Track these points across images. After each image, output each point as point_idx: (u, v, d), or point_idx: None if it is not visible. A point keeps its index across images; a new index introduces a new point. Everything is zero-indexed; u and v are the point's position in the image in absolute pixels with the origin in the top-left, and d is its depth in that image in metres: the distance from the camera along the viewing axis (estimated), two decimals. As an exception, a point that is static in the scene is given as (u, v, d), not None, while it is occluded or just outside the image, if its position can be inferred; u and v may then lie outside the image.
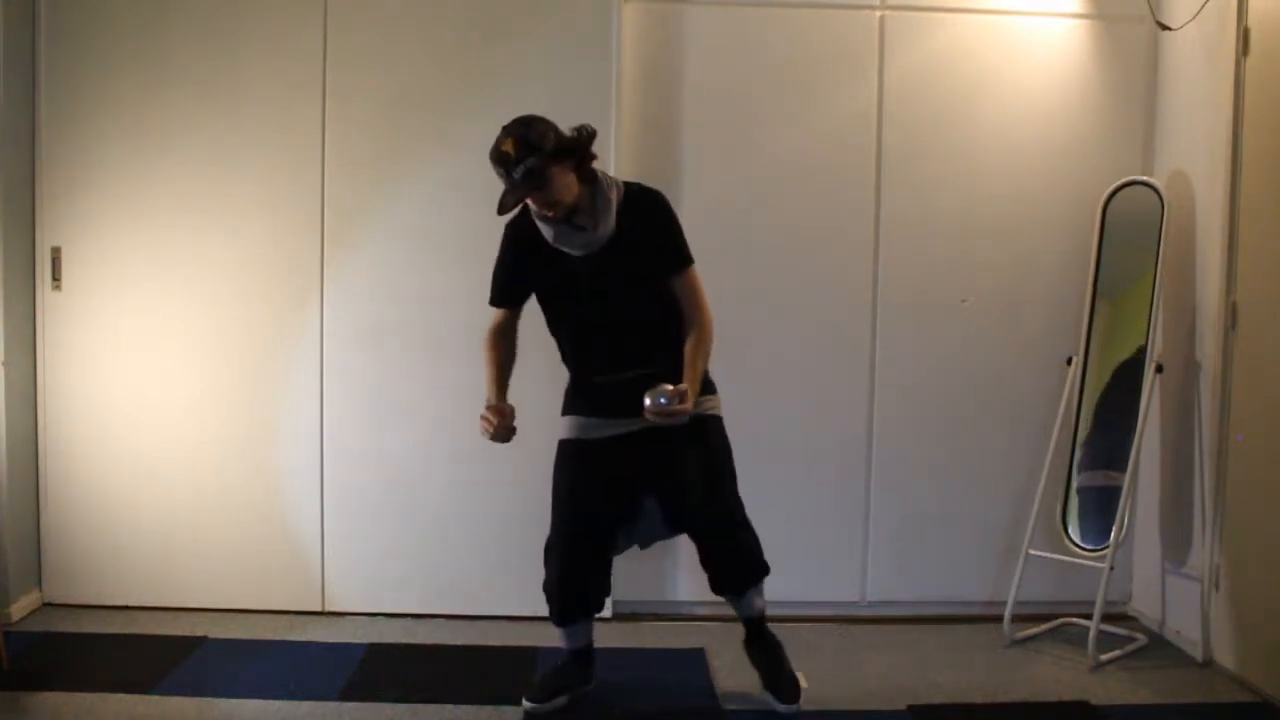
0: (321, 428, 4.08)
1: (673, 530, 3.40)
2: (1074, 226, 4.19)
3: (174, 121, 4.00)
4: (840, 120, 4.15)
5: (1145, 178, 4.06)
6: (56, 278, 4.03)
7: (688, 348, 3.19)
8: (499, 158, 3.05)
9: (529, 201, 3.11)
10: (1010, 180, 4.20)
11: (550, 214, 3.11)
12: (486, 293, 4.05)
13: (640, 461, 3.27)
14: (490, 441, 3.26)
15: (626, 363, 3.23)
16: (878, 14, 4.14)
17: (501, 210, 3.09)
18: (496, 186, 4.14)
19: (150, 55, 3.98)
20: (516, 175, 3.02)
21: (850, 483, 4.23)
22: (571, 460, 3.34)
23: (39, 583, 4.09)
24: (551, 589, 3.36)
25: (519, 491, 4.07)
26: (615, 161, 3.99)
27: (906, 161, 4.17)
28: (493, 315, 3.40)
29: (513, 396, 4.06)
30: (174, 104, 3.99)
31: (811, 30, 4.13)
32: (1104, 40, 4.19)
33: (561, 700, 3.38)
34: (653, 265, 3.21)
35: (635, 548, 3.48)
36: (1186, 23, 3.94)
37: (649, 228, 3.20)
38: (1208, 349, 3.86)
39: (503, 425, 3.25)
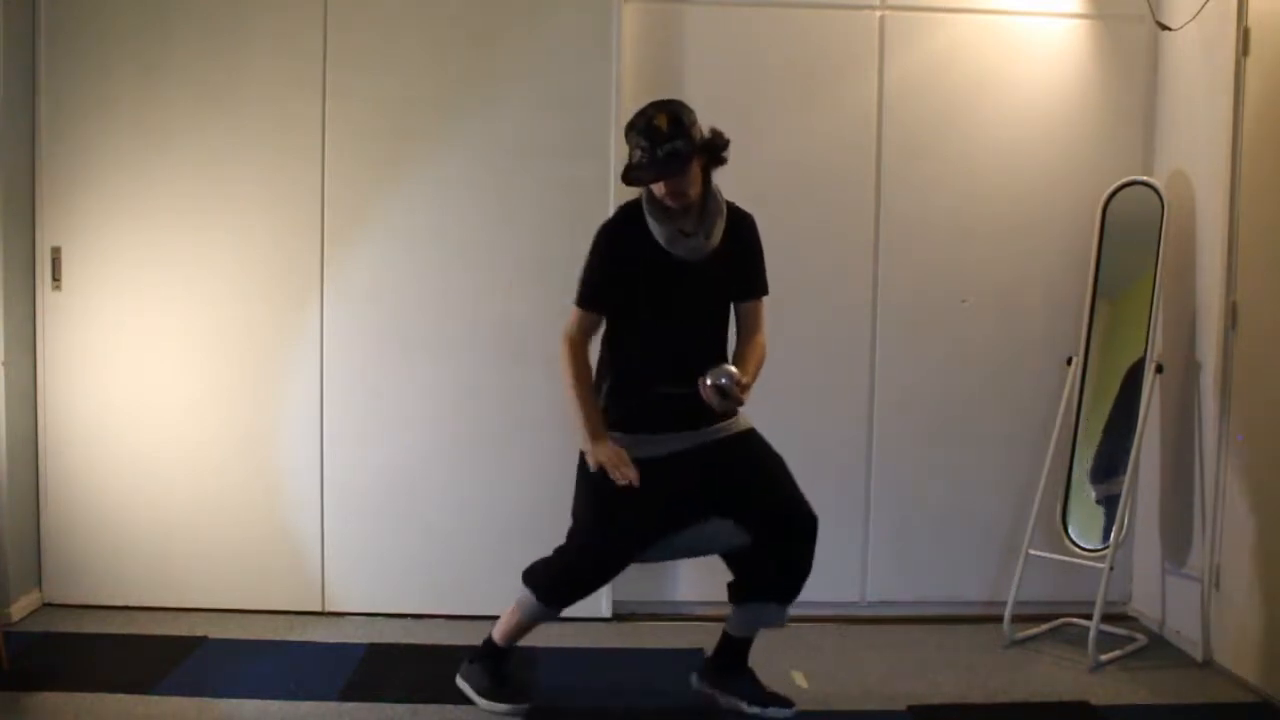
0: (321, 428, 4.08)
1: (751, 532, 3.20)
2: (1074, 226, 4.19)
3: (174, 121, 4.00)
4: (840, 120, 4.15)
5: (1145, 178, 4.06)
6: (56, 278, 4.03)
7: (748, 353, 3.21)
8: (649, 131, 3.00)
9: (656, 186, 3.06)
10: (1010, 180, 4.20)
11: (673, 203, 3.07)
12: (487, 292, 4.08)
13: (696, 476, 3.18)
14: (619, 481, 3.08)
15: (692, 375, 3.12)
16: (878, 14, 4.14)
17: (635, 182, 3.05)
18: (497, 185, 4.16)
19: (150, 55, 3.98)
20: (660, 152, 2.99)
21: (850, 483, 4.23)
22: (605, 482, 3.13)
23: (39, 583, 4.09)
24: (563, 591, 3.27)
25: (520, 492, 4.07)
26: (615, 160, 3.99)
27: (906, 161, 4.17)
28: (572, 324, 3.19)
29: (516, 397, 4.09)
30: (174, 104, 3.99)
31: (811, 30, 4.13)
32: (1104, 40, 4.19)
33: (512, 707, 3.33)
34: (741, 286, 3.24)
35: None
36: (1186, 23, 3.94)
37: (746, 248, 3.24)
38: (1208, 349, 3.86)
39: (628, 476, 3.06)
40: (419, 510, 4.11)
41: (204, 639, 3.84)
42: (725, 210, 3.20)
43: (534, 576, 3.30)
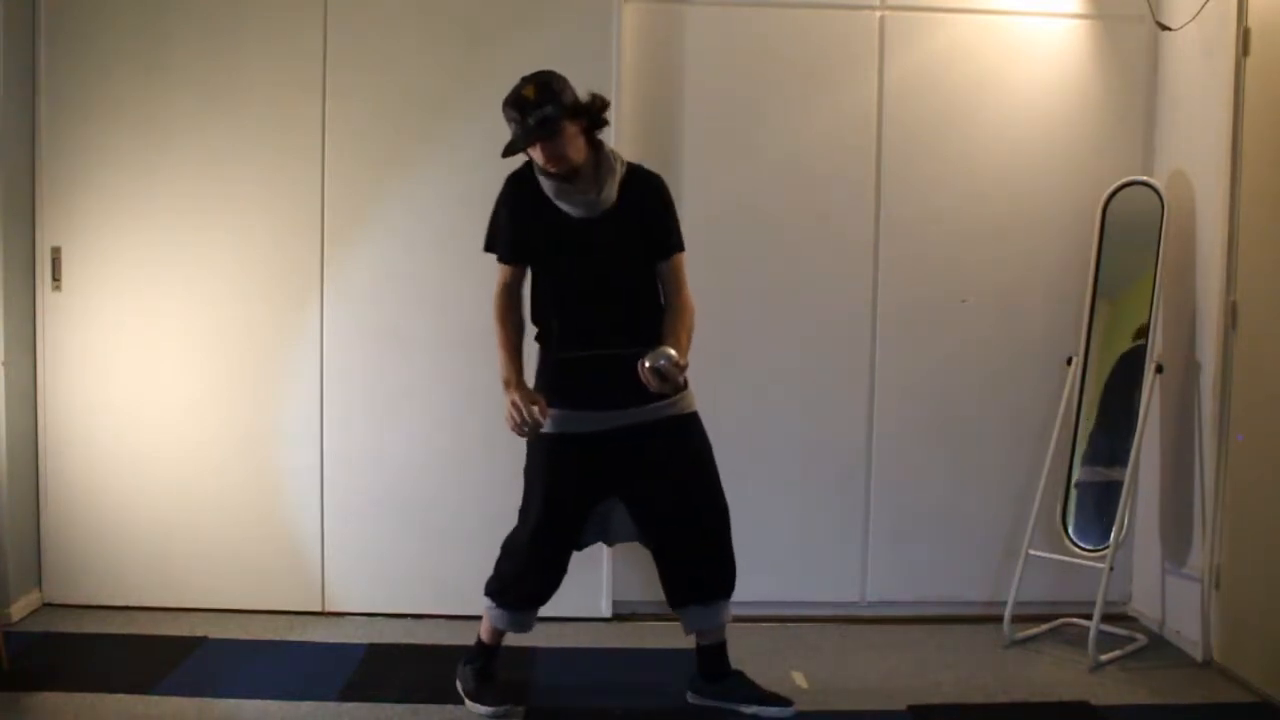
0: (321, 428, 4.08)
1: (644, 534, 3.31)
2: (1074, 226, 4.19)
3: (174, 121, 4.00)
4: (840, 120, 4.15)
5: (1145, 178, 4.06)
6: (56, 278, 4.03)
7: (671, 322, 3.21)
8: (516, 101, 3.04)
9: (534, 153, 3.10)
10: (1010, 180, 4.20)
11: (553, 169, 3.10)
12: (487, 292, 4.07)
13: (618, 460, 3.24)
14: (514, 433, 3.15)
15: (609, 337, 3.19)
16: (878, 14, 4.14)
17: (508, 152, 3.10)
18: (498, 185, 4.15)
19: (150, 55, 3.98)
20: (531, 120, 3.02)
21: (850, 483, 4.23)
22: (549, 455, 3.26)
23: (39, 583, 4.09)
24: (508, 582, 3.34)
25: (520, 491, 4.06)
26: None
27: (906, 161, 4.17)
28: (497, 278, 3.31)
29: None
30: (174, 104, 3.99)
31: (811, 30, 4.13)
32: (1104, 40, 4.19)
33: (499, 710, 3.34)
34: (648, 243, 3.24)
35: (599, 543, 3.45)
36: (1186, 23, 3.94)
37: (649, 206, 3.25)
38: (1208, 349, 3.86)
39: (534, 415, 3.11)
40: (419, 510, 4.11)
41: (204, 639, 3.84)
42: (623, 170, 3.22)
43: (490, 584, 3.40)
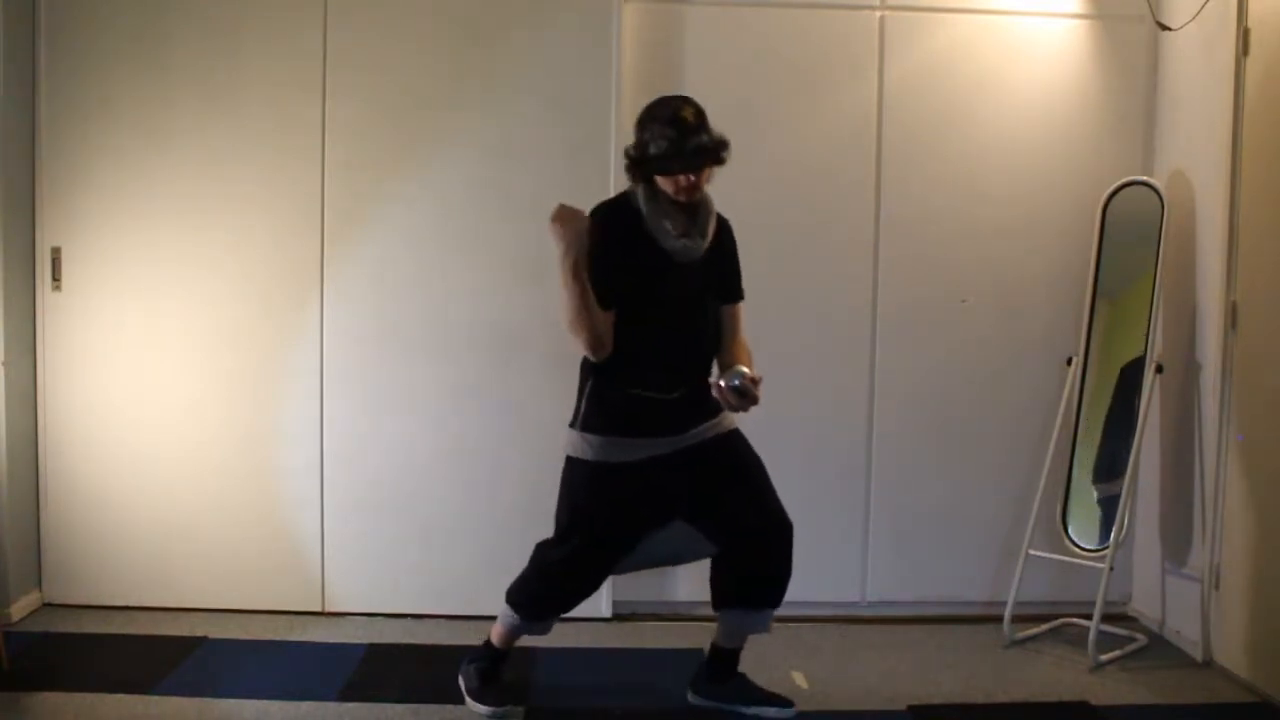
0: (321, 428, 4.08)
1: (718, 543, 3.24)
2: (1074, 226, 4.19)
3: (174, 121, 4.00)
4: (840, 120, 4.15)
5: (1145, 178, 4.06)
6: (56, 278, 4.03)
7: (734, 349, 3.21)
8: (676, 122, 2.98)
9: (672, 180, 3.03)
10: (1010, 180, 4.20)
11: (686, 199, 3.07)
12: (487, 292, 4.08)
13: (674, 483, 3.18)
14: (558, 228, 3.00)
15: (683, 377, 3.15)
16: (878, 14, 4.14)
17: (665, 172, 3.02)
18: (497, 185, 4.16)
19: (150, 55, 3.98)
20: (689, 145, 2.98)
21: (850, 483, 4.23)
22: (604, 484, 3.16)
23: (39, 583, 4.09)
24: (537, 598, 3.30)
25: (520, 491, 4.07)
26: (615, 160, 3.99)
27: (906, 162, 4.17)
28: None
29: (515, 397, 4.09)
30: (174, 103, 3.99)
31: (811, 30, 4.13)
32: (1104, 40, 4.19)
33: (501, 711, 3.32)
34: (723, 288, 3.25)
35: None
36: (1186, 23, 3.94)
37: (728, 252, 3.26)
38: (1208, 349, 3.86)
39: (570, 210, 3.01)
40: (419, 510, 4.11)
41: (204, 639, 3.84)
42: (714, 214, 3.21)
43: (514, 594, 3.33)
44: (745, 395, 3.02)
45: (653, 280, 3.10)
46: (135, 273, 4.03)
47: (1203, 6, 3.83)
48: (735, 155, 4.15)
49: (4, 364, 3.85)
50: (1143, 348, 3.95)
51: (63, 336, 4.04)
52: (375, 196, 4.05)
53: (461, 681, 3.42)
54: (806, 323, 4.17)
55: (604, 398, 3.16)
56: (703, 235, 3.14)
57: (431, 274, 4.07)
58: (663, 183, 3.07)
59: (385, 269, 4.07)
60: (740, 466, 3.25)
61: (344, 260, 4.06)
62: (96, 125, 4.00)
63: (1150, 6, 4.09)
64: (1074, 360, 4.11)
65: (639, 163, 3.06)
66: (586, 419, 3.17)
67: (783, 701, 3.37)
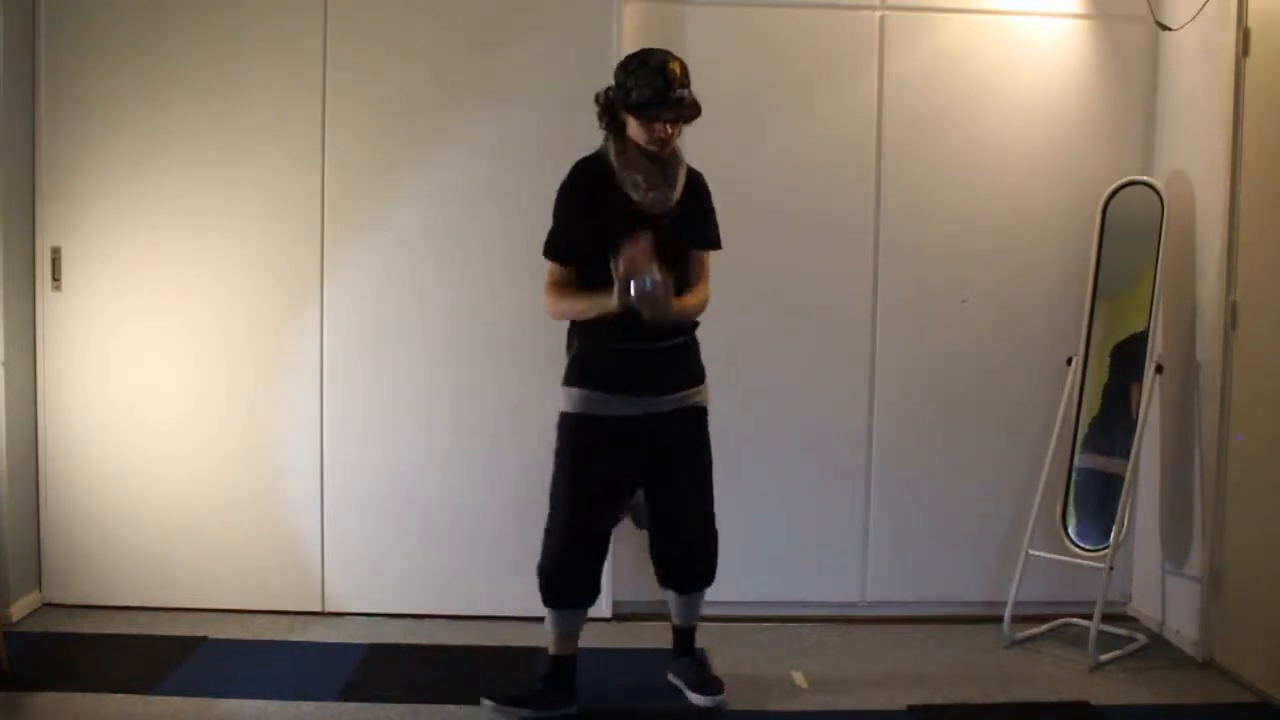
0: (321, 428, 4.08)
1: (653, 522, 3.42)
2: (1074, 226, 4.19)
3: (174, 121, 4.00)
4: (840, 120, 4.15)
5: (1145, 178, 4.06)
6: (56, 278, 4.03)
7: (690, 296, 3.26)
8: (665, 72, 3.08)
9: (650, 129, 3.11)
10: (1010, 180, 4.20)
11: (661, 151, 3.15)
12: (487, 293, 4.08)
13: (644, 446, 3.30)
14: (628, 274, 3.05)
15: (662, 328, 3.21)
16: (878, 14, 4.13)
17: (656, 117, 3.10)
18: (497, 185, 4.16)
19: (150, 55, 3.98)
20: (673, 95, 3.08)
21: (850, 483, 4.23)
22: (586, 437, 3.30)
23: (39, 583, 4.09)
24: (553, 569, 3.33)
25: (520, 491, 4.06)
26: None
27: (906, 161, 4.17)
28: (546, 280, 3.27)
29: (515, 397, 4.09)
30: (174, 104, 3.99)
31: (811, 30, 4.13)
32: (1104, 40, 4.19)
33: (526, 713, 3.31)
34: (695, 237, 3.31)
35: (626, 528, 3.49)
36: (1186, 23, 3.94)
37: (702, 204, 3.34)
38: (1208, 349, 3.86)
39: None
40: (419, 510, 4.11)
41: (204, 639, 3.84)
42: (685, 168, 3.29)
43: (539, 587, 3.36)
44: (653, 301, 3.02)
45: (625, 233, 3.12)
46: (135, 273, 4.03)
47: (1203, 6, 3.83)
48: (735, 154, 4.18)
49: (4, 364, 3.85)
50: (1140, 330, 3.95)
51: (63, 336, 4.04)
52: (375, 196, 4.05)
53: (514, 692, 3.36)
54: (806, 322, 4.17)
55: (589, 355, 3.29)
56: (672, 187, 3.21)
57: (431, 274, 4.07)
58: (637, 133, 3.15)
59: (385, 269, 4.07)
60: (695, 452, 3.38)
61: (344, 260, 4.06)
62: (96, 125, 4.00)
63: (1150, 6, 4.09)
64: (1074, 360, 4.11)
65: (618, 106, 3.13)
66: (569, 374, 3.32)
67: (714, 689, 3.43)
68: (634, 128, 3.16)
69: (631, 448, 3.30)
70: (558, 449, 3.35)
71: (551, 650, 3.41)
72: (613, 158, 3.20)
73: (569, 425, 3.33)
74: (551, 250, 3.29)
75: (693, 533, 3.44)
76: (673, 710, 3.42)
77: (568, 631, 3.39)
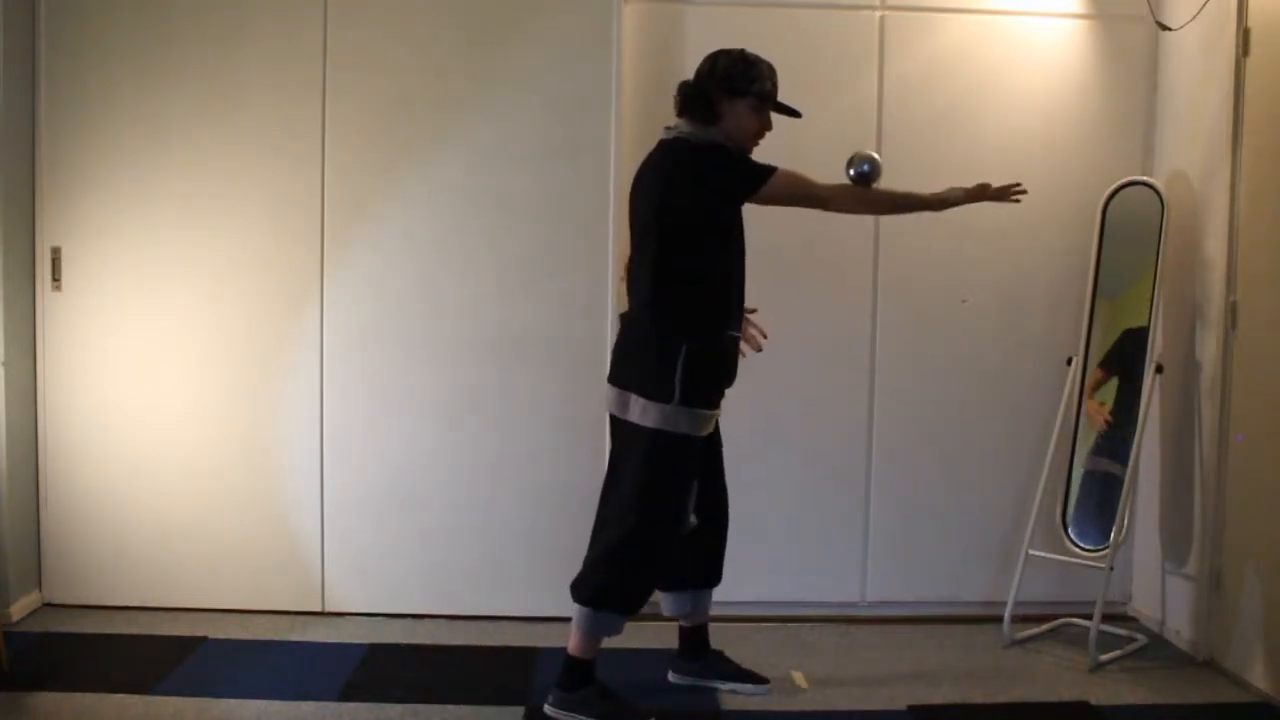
0: (321, 428, 4.08)
1: (703, 517, 3.42)
2: (1074, 226, 4.19)
3: (174, 121, 4.00)
4: (840, 120, 4.15)
5: (1145, 178, 4.06)
6: (56, 278, 4.03)
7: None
8: (775, 77, 3.33)
9: (757, 124, 3.33)
10: (1010, 180, 4.18)
11: (754, 146, 3.34)
12: (487, 293, 4.08)
13: (708, 442, 3.36)
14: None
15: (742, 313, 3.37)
16: (878, 14, 4.14)
17: (792, 113, 3.37)
18: (498, 185, 4.17)
19: (151, 55, 3.98)
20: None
21: (850, 483, 4.23)
22: (695, 457, 3.26)
23: (39, 583, 4.09)
24: (648, 581, 3.29)
25: (520, 491, 4.07)
26: (615, 160, 3.99)
27: (906, 161, 4.15)
28: (809, 180, 3.34)
29: (514, 395, 4.09)
30: (174, 104, 3.99)
31: (811, 30, 4.13)
32: (1104, 40, 4.19)
33: None
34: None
35: None
36: (1186, 23, 3.94)
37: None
38: (1208, 349, 3.86)
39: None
40: (419, 510, 4.11)
41: (204, 639, 3.84)
42: None
43: (597, 592, 3.23)
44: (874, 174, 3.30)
45: (739, 218, 3.31)
46: (135, 273, 4.03)
47: (1203, 6, 3.83)
48: (735, 155, 4.16)
49: (4, 364, 3.85)
50: (1140, 329, 3.95)
51: (63, 336, 4.04)
52: (375, 196, 4.05)
53: (577, 713, 3.27)
54: (806, 322, 4.17)
55: (703, 358, 3.15)
56: None
57: (431, 274, 4.07)
58: (753, 124, 3.30)
59: (385, 269, 4.07)
60: (718, 447, 3.46)
61: (344, 260, 4.06)
62: (97, 125, 4.00)
63: (1150, 6, 4.09)
64: (1074, 360, 4.11)
65: (738, 95, 3.26)
66: (686, 391, 3.11)
67: (758, 679, 3.46)
68: (741, 118, 3.27)
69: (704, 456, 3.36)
70: (662, 466, 3.17)
71: (585, 655, 3.28)
72: (723, 141, 3.27)
73: (681, 448, 3.16)
74: (762, 168, 3.24)
75: (724, 523, 3.51)
76: (673, 710, 3.42)
77: (606, 635, 3.32)
